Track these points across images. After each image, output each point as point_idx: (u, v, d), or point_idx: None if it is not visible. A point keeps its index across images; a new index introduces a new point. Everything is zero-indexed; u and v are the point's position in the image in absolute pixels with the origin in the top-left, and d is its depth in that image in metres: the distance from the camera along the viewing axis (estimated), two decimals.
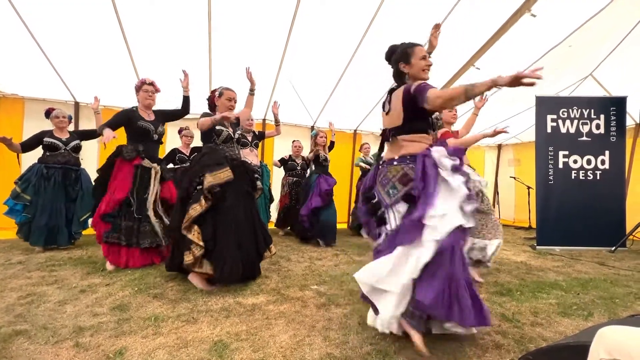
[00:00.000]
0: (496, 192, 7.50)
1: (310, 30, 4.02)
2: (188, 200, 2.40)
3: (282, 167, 5.02)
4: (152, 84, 3.02)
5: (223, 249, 2.33)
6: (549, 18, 3.80)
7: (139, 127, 2.91)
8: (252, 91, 3.11)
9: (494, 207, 7.54)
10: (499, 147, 7.58)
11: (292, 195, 4.84)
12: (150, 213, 2.89)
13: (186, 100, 3.23)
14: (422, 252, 1.47)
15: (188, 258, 2.30)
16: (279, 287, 2.43)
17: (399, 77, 1.79)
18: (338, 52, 4.44)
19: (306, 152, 5.27)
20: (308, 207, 4.22)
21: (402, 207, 1.63)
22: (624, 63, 4.65)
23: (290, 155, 5.02)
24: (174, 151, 4.46)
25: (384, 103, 1.85)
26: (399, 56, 1.77)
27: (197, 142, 4.60)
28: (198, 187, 2.39)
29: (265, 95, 5.21)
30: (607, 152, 4.52)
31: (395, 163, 1.71)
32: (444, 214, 1.48)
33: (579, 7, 3.84)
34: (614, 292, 2.49)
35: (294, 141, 5.10)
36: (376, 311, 1.59)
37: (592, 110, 4.56)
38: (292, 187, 4.88)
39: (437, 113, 1.85)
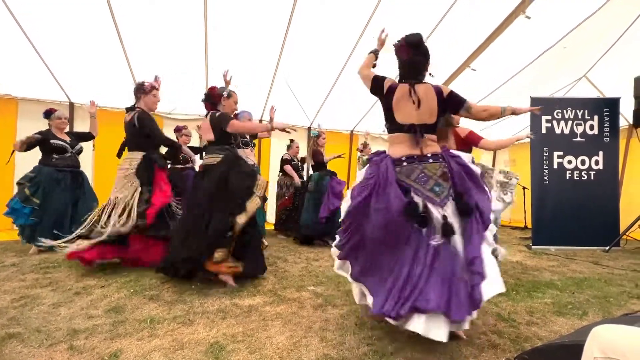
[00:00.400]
0: None
1: (307, 30, 4.03)
2: (243, 200, 2.45)
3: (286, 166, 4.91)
4: (158, 89, 3.03)
5: (255, 245, 2.62)
6: (543, 20, 3.84)
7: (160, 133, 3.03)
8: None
9: None
10: None
11: (295, 197, 4.70)
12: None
13: None
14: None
15: (219, 254, 2.33)
16: (276, 288, 2.42)
17: (420, 70, 1.78)
18: (335, 53, 4.46)
19: (302, 153, 5.25)
20: (328, 208, 4.12)
21: (451, 206, 1.62)
22: (617, 64, 4.71)
23: (291, 156, 4.98)
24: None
25: (409, 93, 1.70)
26: (429, 55, 1.79)
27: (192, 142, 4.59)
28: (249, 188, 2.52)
29: (262, 95, 5.21)
30: (600, 153, 4.56)
31: (431, 160, 1.67)
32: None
33: (572, 9, 3.89)
34: (608, 291, 2.52)
35: (292, 140, 5.05)
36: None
37: (586, 111, 4.59)
38: (297, 189, 4.70)
39: None
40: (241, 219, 2.38)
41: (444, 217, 1.56)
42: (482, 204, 1.65)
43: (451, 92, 1.76)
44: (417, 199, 1.60)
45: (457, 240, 1.58)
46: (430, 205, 1.59)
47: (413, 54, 1.75)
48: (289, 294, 2.32)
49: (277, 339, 1.66)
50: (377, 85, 1.80)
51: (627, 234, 4.36)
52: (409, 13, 3.77)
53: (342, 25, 3.99)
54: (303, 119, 5.86)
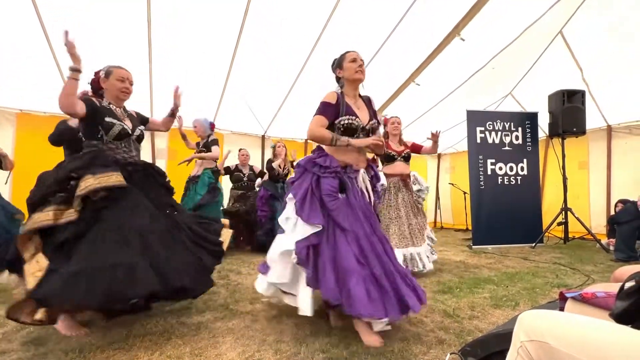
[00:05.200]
0: (437, 197, 8.09)
1: (260, 37, 4.00)
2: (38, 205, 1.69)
3: (226, 175, 4.76)
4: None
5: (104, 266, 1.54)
6: (475, 43, 4.29)
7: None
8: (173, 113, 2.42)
9: (435, 211, 8.12)
10: (439, 156, 8.22)
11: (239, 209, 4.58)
12: None
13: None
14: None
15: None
16: (228, 303, 2.31)
17: (338, 82, 2.04)
18: (290, 61, 4.47)
19: (253, 161, 5.13)
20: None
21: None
22: (535, 84, 5.45)
23: (236, 165, 4.83)
24: None
25: None
26: (335, 64, 2.02)
27: None
28: (61, 195, 1.72)
29: (213, 102, 5.03)
30: (525, 160, 5.20)
31: None
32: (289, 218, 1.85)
33: (498, 35, 4.42)
34: (535, 283, 2.82)
35: (240, 149, 4.88)
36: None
37: (512, 124, 5.22)
38: (238, 200, 4.64)
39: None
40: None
41: None
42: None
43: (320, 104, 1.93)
44: None
45: None
46: None
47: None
48: (242, 307, 2.23)
49: (228, 355, 1.57)
50: None
51: (548, 231, 4.98)
52: (361, 23, 3.94)
53: (297, 32, 4.03)
54: (256, 127, 5.77)
